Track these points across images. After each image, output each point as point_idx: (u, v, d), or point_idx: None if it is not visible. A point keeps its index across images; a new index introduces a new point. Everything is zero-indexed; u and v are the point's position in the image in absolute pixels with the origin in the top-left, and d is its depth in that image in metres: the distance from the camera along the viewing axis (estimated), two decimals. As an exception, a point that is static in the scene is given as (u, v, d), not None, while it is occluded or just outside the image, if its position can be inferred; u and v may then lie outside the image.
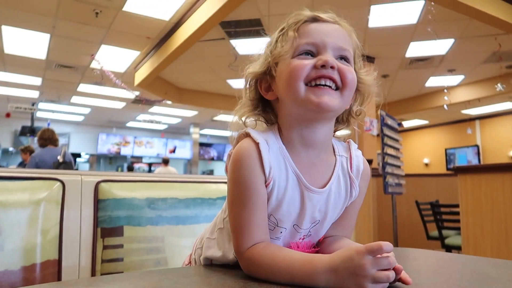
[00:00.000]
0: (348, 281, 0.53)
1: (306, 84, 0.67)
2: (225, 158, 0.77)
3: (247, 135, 0.70)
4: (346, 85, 0.68)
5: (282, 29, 0.72)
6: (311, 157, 0.71)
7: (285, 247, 0.68)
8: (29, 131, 8.66)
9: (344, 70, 0.67)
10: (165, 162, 8.75)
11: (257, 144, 0.67)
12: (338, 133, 0.80)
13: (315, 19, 0.71)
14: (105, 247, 1.07)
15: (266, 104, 0.76)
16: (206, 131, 13.29)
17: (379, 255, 0.53)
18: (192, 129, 12.10)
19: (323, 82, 0.66)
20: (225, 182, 1.34)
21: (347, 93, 0.68)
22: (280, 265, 0.60)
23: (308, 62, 0.67)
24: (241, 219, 0.66)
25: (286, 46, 0.68)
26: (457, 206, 3.03)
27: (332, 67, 0.66)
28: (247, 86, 0.76)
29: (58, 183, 1.07)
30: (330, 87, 0.67)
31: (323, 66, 0.66)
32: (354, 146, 0.78)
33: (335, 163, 0.74)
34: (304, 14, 0.72)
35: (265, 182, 0.67)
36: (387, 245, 0.53)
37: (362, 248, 0.53)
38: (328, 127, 0.72)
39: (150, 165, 13.39)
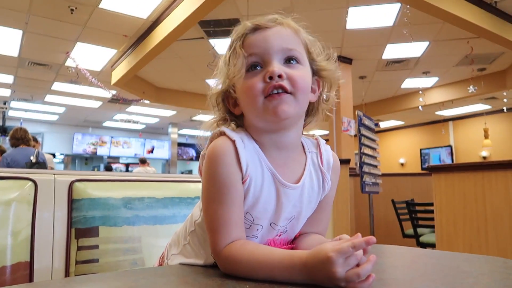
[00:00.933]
0: (324, 281, 0.54)
1: (264, 97, 0.68)
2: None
3: (222, 133, 0.70)
4: (298, 89, 0.68)
5: (231, 46, 0.73)
6: (283, 157, 0.73)
7: (263, 244, 0.68)
8: (0, 130, 8.38)
9: (293, 76, 0.68)
10: (142, 161, 8.63)
11: (233, 142, 0.68)
12: (316, 133, 0.82)
13: (256, 29, 0.71)
14: (79, 248, 1.04)
15: (234, 115, 0.77)
16: (184, 131, 13.18)
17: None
18: (170, 129, 11.98)
19: (275, 91, 0.67)
20: (203, 181, 1.33)
21: (301, 96, 0.69)
22: (260, 262, 0.60)
23: (258, 77, 0.68)
24: (218, 217, 0.66)
25: (237, 65, 0.69)
26: (431, 204, 3.11)
27: (279, 76, 0.67)
28: (215, 105, 0.77)
29: (30, 183, 1.03)
30: (285, 92, 0.67)
31: (270, 78, 0.67)
32: (322, 141, 0.80)
33: (306, 159, 0.76)
34: (246, 26, 0.72)
35: (242, 179, 0.68)
36: (358, 243, 0.53)
37: (332, 253, 0.53)
38: (296, 129, 0.74)
39: (127, 165, 13.19)
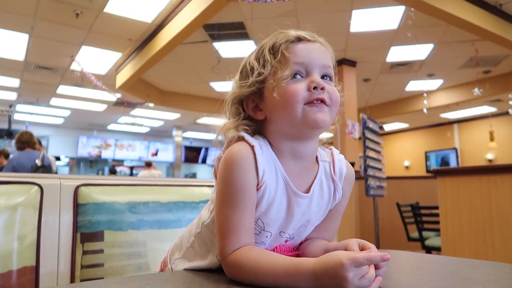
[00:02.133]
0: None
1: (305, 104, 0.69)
2: (209, 162, 0.77)
3: (241, 138, 0.71)
4: (334, 103, 0.71)
5: (272, 49, 0.72)
6: (298, 166, 0.74)
7: (269, 251, 0.68)
8: (6, 133, 8.43)
9: (331, 90, 0.71)
10: (148, 165, 8.64)
11: (252, 147, 0.68)
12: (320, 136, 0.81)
13: (299, 40, 0.73)
14: (84, 253, 1.05)
15: (250, 120, 0.76)
16: (189, 134, 13.20)
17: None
18: (174, 132, 12.00)
19: (315, 102, 0.69)
20: (208, 186, 1.33)
21: (334, 109, 0.72)
22: (265, 269, 0.60)
23: (301, 85, 0.69)
24: (229, 222, 0.66)
25: (284, 70, 0.70)
26: (436, 208, 3.09)
27: (322, 89, 0.69)
28: (235, 107, 0.76)
29: (36, 187, 1.04)
30: (323, 103, 0.70)
31: (314, 88, 0.69)
32: (336, 151, 0.81)
33: (318, 168, 0.76)
34: (290, 34, 0.73)
35: (257, 185, 0.68)
36: (374, 257, 0.55)
37: (346, 260, 0.54)
38: (316, 140, 0.75)
39: (131, 168, 13.22)
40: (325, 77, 0.72)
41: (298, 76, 0.70)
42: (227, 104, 0.76)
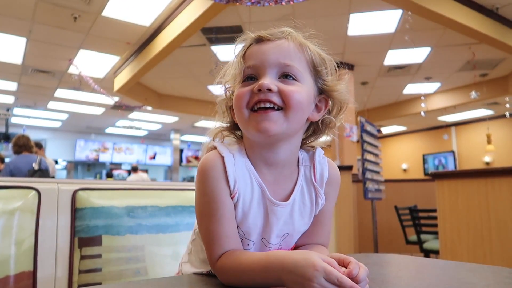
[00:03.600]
0: (294, 286, 0.53)
1: (251, 109, 0.66)
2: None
3: (214, 147, 0.71)
4: (289, 106, 0.65)
5: (238, 51, 0.73)
6: (273, 174, 0.72)
7: (249, 251, 0.68)
8: (3, 137, 8.41)
9: (286, 91, 0.65)
10: (135, 169, 8.67)
11: (222, 158, 0.68)
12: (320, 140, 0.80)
13: (258, 40, 0.70)
14: (82, 257, 1.04)
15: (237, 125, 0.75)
16: (186, 137, 13.19)
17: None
18: (172, 135, 11.99)
19: (263, 105, 0.65)
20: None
21: (292, 113, 0.65)
22: (243, 268, 0.60)
23: (248, 88, 0.67)
24: (211, 231, 0.66)
25: (235, 73, 0.70)
26: (434, 211, 3.10)
27: (269, 90, 0.64)
28: (224, 111, 0.76)
29: (34, 192, 1.03)
30: (273, 108, 0.65)
31: (259, 90, 0.65)
32: (318, 153, 0.76)
33: (298, 174, 0.74)
34: (249, 37, 0.71)
35: (230, 194, 0.67)
36: (346, 283, 0.50)
37: (317, 265, 0.51)
38: (289, 146, 0.70)
39: (129, 171, 13.19)
40: (288, 76, 0.67)
41: (250, 80, 0.68)
42: (218, 108, 0.76)
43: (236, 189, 0.67)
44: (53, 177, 4.87)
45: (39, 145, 4.69)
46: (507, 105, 8.11)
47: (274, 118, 0.64)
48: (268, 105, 0.64)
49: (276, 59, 0.67)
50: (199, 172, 0.68)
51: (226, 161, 0.67)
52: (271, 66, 0.67)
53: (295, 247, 0.77)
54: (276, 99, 0.65)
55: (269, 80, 0.65)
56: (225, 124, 0.77)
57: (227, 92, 0.74)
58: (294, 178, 0.73)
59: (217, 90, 0.77)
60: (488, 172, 2.69)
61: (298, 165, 0.74)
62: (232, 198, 0.67)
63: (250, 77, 0.68)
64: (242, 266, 0.60)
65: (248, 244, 0.71)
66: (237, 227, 0.69)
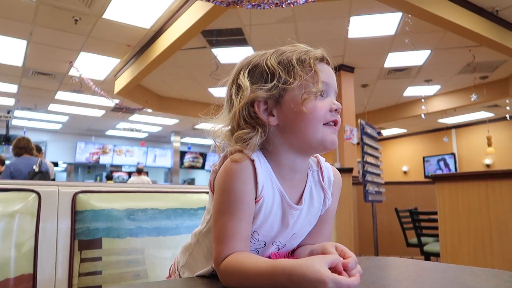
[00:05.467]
0: None
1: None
2: (208, 167, 0.77)
3: (240, 150, 0.70)
4: (339, 126, 0.74)
5: (301, 61, 0.72)
6: (294, 179, 0.75)
7: (255, 255, 0.68)
8: (4, 139, 8.41)
9: (340, 113, 0.74)
10: (139, 171, 8.68)
11: (252, 161, 0.68)
12: None
13: (322, 59, 0.75)
14: (82, 260, 1.04)
15: (257, 123, 0.72)
16: (187, 140, 13.20)
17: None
18: (173, 138, 12.00)
19: (332, 123, 0.72)
20: (207, 192, 1.33)
21: (337, 133, 0.75)
22: (248, 272, 0.60)
23: (325, 105, 0.71)
24: (227, 229, 0.66)
25: (316, 85, 0.70)
26: (435, 213, 3.09)
27: (338, 112, 0.73)
28: (243, 108, 0.72)
29: (34, 195, 1.03)
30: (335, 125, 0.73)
31: (335, 110, 0.72)
32: (322, 159, 0.82)
33: (307, 177, 0.78)
34: (318, 52, 0.75)
35: (256, 198, 0.68)
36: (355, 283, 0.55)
37: (331, 282, 0.53)
38: None
39: (130, 174, 13.19)
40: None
41: (321, 95, 0.72)
42: (242, 105, 0.71)
43: (262, 194, 0.69)
44: (53, 179, 4.87)
45: (38, 149, 4.69)
46: (508, 108, 8.11)
47: (336, 133, 0.74)
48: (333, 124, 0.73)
49: (336, 83, 0.75)
50: (226, 172, 0.68)
51: (256, 165, 0.68)
52: (334, 88, 0.75)
53: (297, 247, 0.80)
54: (339, 120, 0.74)
55: (337, 102, 0.73)
56: (246, 128, 0.71)
57: (270, 91, 0.71)
58: (304, 182, 0.77)
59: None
60: (488, 175, 2.69)
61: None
62: (257, 202, 0.69)
63: (321, 92, 0.72)
64: (246, 271, 0.61)
65: (260, 244, 0.73)
66: (254, 231, 0.71)
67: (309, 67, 0.71)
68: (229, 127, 0.74)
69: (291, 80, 0.70)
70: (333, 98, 0.73)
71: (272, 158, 0.72)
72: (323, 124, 0.71)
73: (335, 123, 0.72)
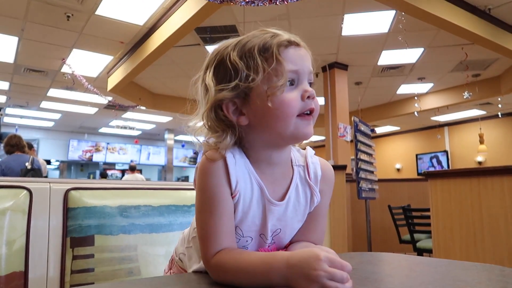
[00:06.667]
0: (300, 281, 0.54)
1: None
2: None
3: (215, 148, 0.70)
4: (317, 112, 0.69)
5: (263, 51, 0.67)
6: (274, 173, 0.73)
7: (248, 250, 0.69)
8: (-5, 137, 8.33)
9: (316, 99, 0.69)
10: (132, 169, 8.64)
11: (224, 158, 0.68)
12: (313, 138, 0.81)
13: (289, 43, 0.68)
14: (74, 257, 1.03)
15: (226, 125, 0.70)
16: (181, 137, 13.16)
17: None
18: (166, 135, 11.95)
19: (307, 112, 0.68)
20: (200, 189, 1.32)
21: (315, 118, 0.70)
22: (243, 267, 0.60)
23: (296, 95, 0.67)
24: (208, 227, 0.66)
25: (281, 77, 0.65)
26: (428, 210, 3.11)
27: (312, 98, 0.68)
28: (210, 111, 0.69)
29: (25, 192, 1.02)
30: (311, 113, 0.69)
31: (308, 97, 0.67)
32: (310, 153, 0.78)
33: (293, 173, 0.75)
34: (282, 37, 0.68)
35: (231, 194, 0.68)
36: (347, 265, 0.54)
37: (321, 255, 0.54)
38: (289, 146, 0.75)
39: (123, 171, 13.13)
40: (310, 84, 0.70)
41: (290, 85, 0.67)
42: (208, 109, 0.69)
43: (238, 189, 0.68)
44: (46, 177, 4.83)
45: (30, 146, 4.65)
46: (499, 105, 8.18)
47: (312, 123, 0.69)
48: (308, 112, 0.68)
49: (308, 66, 0.69)
50: (200, 169, 0.68)
51: (228, 161, 0.67)
52: (308, 73, 0.69)
53: (289, 244, 0.78)
54: (316, 106, 0.69)
55: (310, 88, 0.68)
56: (208, 129, 0.71)
57: (233, 90, 0.68)
58: (289, 178, 0.74)
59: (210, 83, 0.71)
60: (480, 172, 2.71)
61: (292, 166, 0.76)
62: (233, 197, 0.68)
63: (289, 82, 0.67)
64: (242, 264, 0.60)
65: (247, 241, 0.72)
66: (236, 226, 0.70)
67: (271, 58, 0.66)
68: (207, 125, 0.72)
69: (252, 76, 0.65)
70: (306, 85, 0.68)
71: (248, 154, 0.71)
72: (297, 116, 0.66)
73: (311, 111, 0.67)
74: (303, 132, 0.67)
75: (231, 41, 0.72)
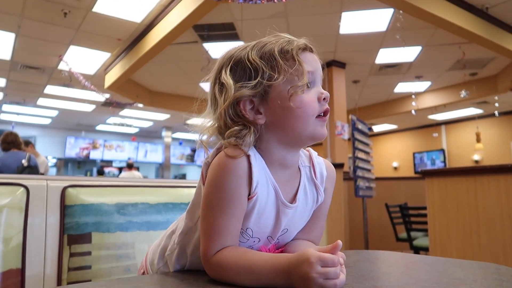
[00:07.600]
0: (300, 283, 0.55)
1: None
2: (199, 162, 0.75)
3: (235, 145, 0.67)
4: (328, 114, 0.72)
5: (284, 53, 0.69)
6: (286, 175, 0.73)
7: (251, 249, 0.68)
8: (-9, 134, 8.30)
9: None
10: (129, 166, 8.63)
11: (248, 156, 0.66)
12: None
13: (307, 47, 0.72)
14: (72, 255, 1.03)
15: (247, 122, 0.70)
16: (178, 135, 13.14)
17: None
18: (164, 133, 11.93)
19: (321, 114, 0.71)
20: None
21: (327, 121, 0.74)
22: (246, 266, 0.61)
23: (313, 96, 0.69)
24: (216, 225, 0.65)
25: (302, 77, 0.68)
26: (424, 208, 3.13)
27: (327, 100, 0.71)
28: (228, 108, 0.69)
29: (22, 189, 1.02)
30: (325, 115, 0.72)
31: (324, 99, 0.70)
32: (314, 154, 0.80)
33: (300, 174, 0.76)
34: (300, 41, 0.71)
35: (249, 195, 0.67)
36: (338, 259, 0.56)
37: (313, 258, 0.55)
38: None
39: (120, 169, 13.10)
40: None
41: (307, 87, 0.69)
42: (227, 106, 0.68)
43: (256, 191, 0.67)
44: (43, 174, 4.81)
45: (26, 143, 4.63)
46: (496, 104, 8.21)
47: (325, 124, 0.72)
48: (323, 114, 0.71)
49: (321, 70, 0.73)
50: (220, 166, 0.66)
51: (252, 160, 0.66)
52: (321, 76, 0.73)
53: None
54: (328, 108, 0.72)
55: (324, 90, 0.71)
56: (238, 123, 0.69)
57: (254, 88, 0.68)
58: (298, 179, 0.75)
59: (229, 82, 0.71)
60: (477, 170, 2.72)
61: (298, 167, 0.77)
62: (251, 198, 0.67)
63: (308, 83, 0.70)
64: (246, 263, 0.61)
65: (254, 241, 0.72)
66: (248, 228, 0.69)
67: (292, 59, 0.68)
68: (216, 125, 0.72)
69: (275, 76, 0.67)
70: (320, 87, 0.71)
71: (263, 155, 0.70)
72: (316, 117, 0.69)
73: (325, 112, 0.70)
74: (320, 132, 0.70)
75: (246, 44, 0.74)
